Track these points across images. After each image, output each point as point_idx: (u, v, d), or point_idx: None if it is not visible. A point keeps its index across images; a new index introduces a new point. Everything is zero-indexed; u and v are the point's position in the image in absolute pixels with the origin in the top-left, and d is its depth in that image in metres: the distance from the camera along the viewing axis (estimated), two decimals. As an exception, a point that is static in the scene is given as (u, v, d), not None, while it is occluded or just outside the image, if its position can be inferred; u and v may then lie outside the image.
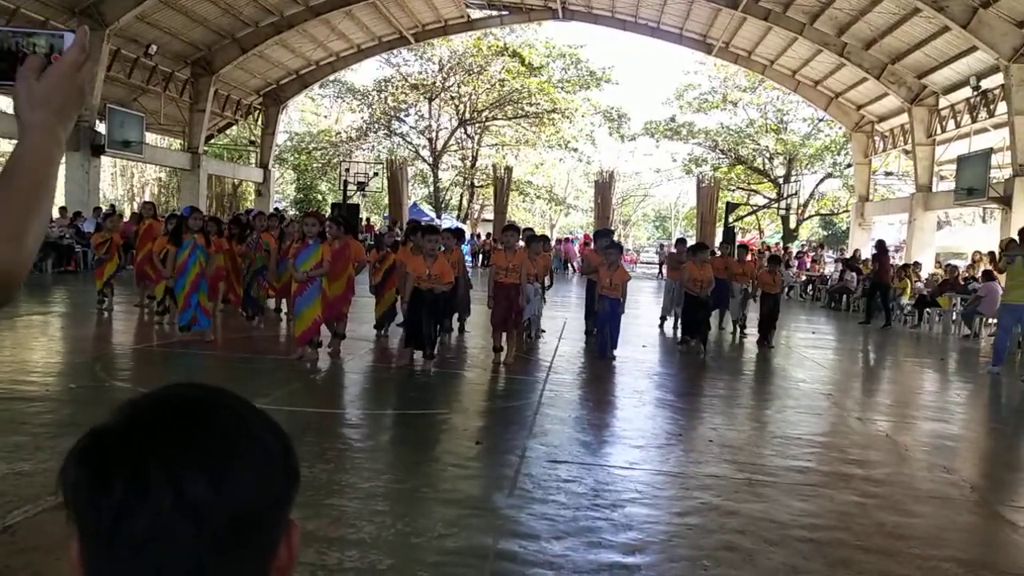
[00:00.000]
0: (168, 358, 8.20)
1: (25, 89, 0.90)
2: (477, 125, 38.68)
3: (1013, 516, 4.47)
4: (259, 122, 29.18)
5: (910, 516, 4.43)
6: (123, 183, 40.89)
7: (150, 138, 25.05)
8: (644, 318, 14.25)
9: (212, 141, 30.11)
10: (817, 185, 36.92)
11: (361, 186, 30.61)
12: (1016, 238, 10.47)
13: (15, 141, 0.92)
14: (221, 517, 0.61)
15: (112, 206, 24.95)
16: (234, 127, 30.81)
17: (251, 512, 0.63)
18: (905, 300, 16.91)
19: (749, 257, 13.70)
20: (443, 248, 8.53)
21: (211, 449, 0.63)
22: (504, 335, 8.52)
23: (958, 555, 3.88)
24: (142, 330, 10.03)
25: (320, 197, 41.29)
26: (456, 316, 10.37)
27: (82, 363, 7.50)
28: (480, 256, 29.59)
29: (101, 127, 20.44)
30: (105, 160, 25.48)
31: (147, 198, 33.34)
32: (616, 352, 9.33)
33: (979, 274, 15.72)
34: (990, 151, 17.92)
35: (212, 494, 0.61)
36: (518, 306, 8.42)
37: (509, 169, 33.59)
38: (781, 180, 35.51)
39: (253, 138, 29.75)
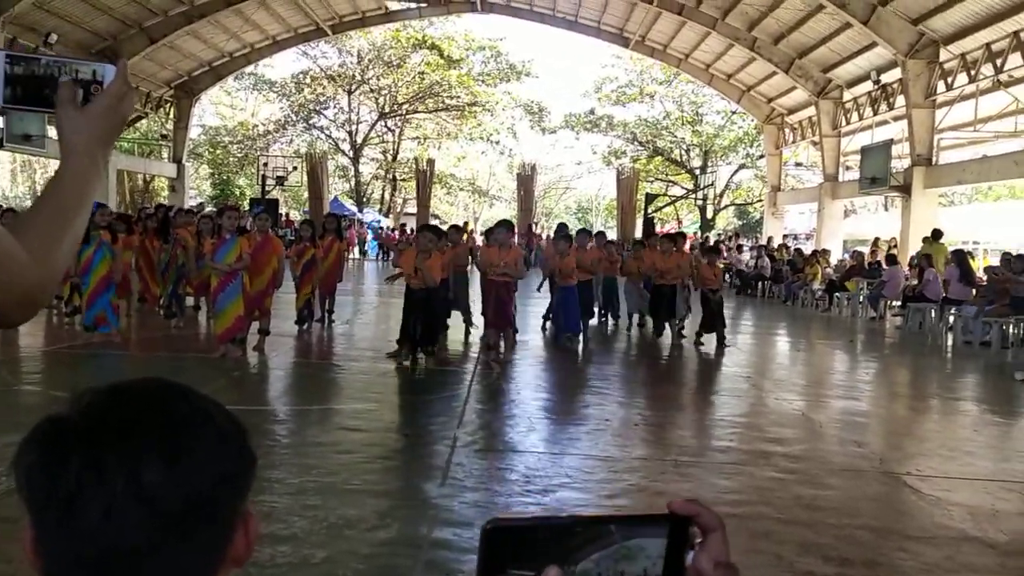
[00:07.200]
0: (80, 359, 7.87)
1: (68, 117, 0.94)
2: (398, 118, 38.29)
3: (917, 484, 4.74)
4: (171, 115, 28.14)
5: (825, 488, 4.65)
6: (24, 179, 38.87)
7: (54, 132, 23.86)
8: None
9: (121, 135, 28.87)
10: (732, 176, 38.02)
11: (280, 180, 29.91)
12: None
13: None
14: (176, 501, 0.61)
15: (10, 208, 23.69)
16: (144, 120, 29.63)
17: (206, 498, 0.63)
18: (816, 285, 17.62)
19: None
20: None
21: (167, 434, 0.63)
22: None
23: (870, 523, 4.10)
24: (51, 331, 9.59)
25: (238, 191, 40.16)
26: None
27: (-14, 367, 7.12)
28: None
29: (-1, 120, 19.34)
30: (4, 155, 24.18)
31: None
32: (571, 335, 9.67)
33: (883, 259, 16.49)
34: (890, 142, 18.80)
35: (167, 478, 0.61)
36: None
37: (431, 162, 33.40)
38: (698, 171, 36.42)
39: (165, 132, 28.66)
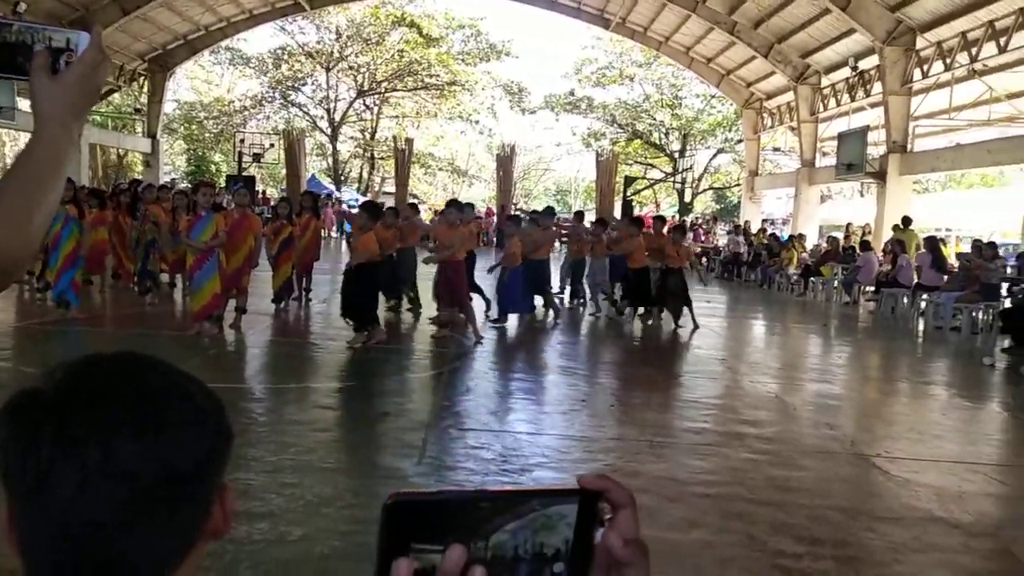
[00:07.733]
0: (52, 335, 7.77)
1: (41, 85, 0.93)
2: (376, 96, 37.94)
3: (886, 466, 4.84)
4: (145, 89, 27.64)
5: (798, 470, 4.73)
6: (-8, 152, 38.07)
7: (24, 104, 23.33)
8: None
9: (93, 108, 28.35)
10: (710, 160, 38.12)
11: (257, 157, 29.56)
12: None
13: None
14: (150, 476, 0.60)
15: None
16: (117, 94, 29.08)
17: (182, 472, 0.62)
18: (792, 270, 17.79)
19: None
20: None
21: (141, 408, 0.62)
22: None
23: (841, 503, 4.18)
24: (22, 307, 9.45)
25: (214, 168, 39.64)
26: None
27: (-45, 343, 7.02)
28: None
29: (-36, 91, 18.89)
30: (-29, 127, 23.59)
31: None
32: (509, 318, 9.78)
33: (857, 245, 16.68)
34: (867, 128, 18.94)
35: (141, 453, 0.60)
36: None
37: (410, 141, 33.14)
38: (676, 155, 36.51)
39: (139, 106, 28.16)
